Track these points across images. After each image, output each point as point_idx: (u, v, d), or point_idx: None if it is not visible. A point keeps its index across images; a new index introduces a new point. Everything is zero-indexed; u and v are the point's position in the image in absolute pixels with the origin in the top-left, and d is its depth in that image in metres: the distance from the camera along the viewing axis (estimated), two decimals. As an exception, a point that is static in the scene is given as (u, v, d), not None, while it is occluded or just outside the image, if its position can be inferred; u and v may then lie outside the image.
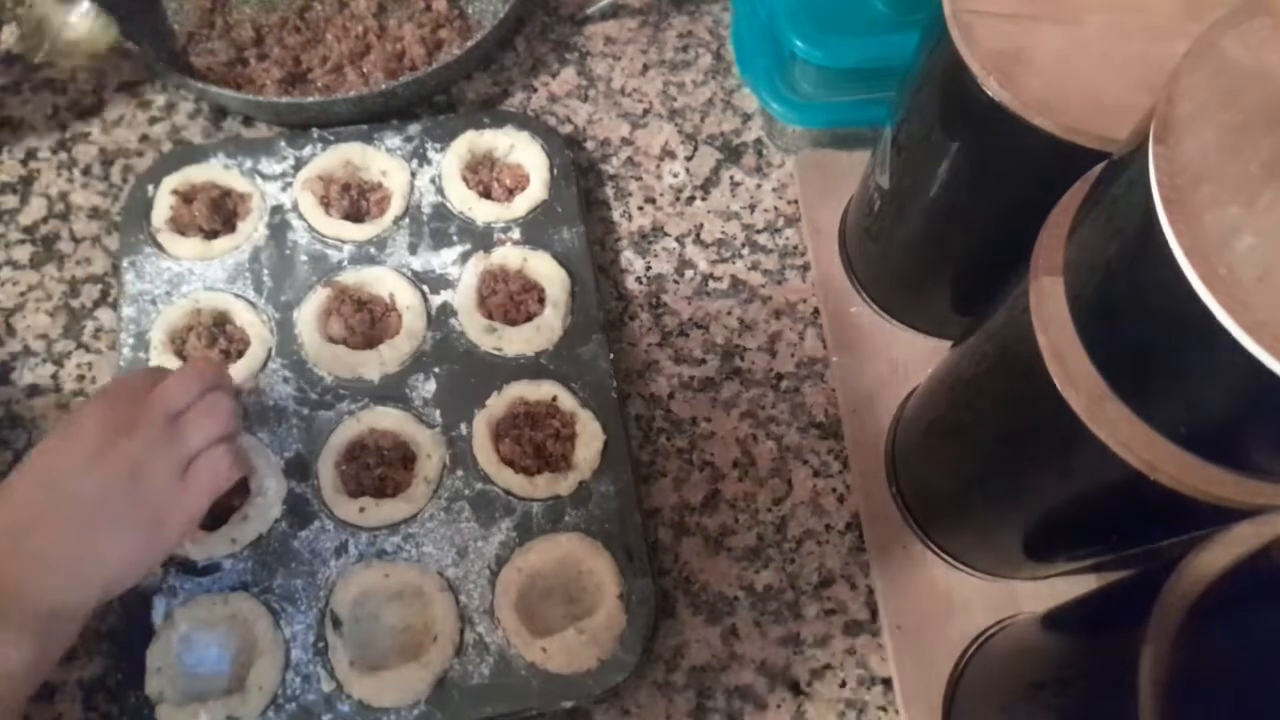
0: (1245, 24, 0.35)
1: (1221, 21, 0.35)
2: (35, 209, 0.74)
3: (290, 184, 0.72)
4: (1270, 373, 0.31)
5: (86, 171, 0.76)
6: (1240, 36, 0.35)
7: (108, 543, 0.48)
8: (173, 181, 0.71)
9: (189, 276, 0.69)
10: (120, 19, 0.74)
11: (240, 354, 0.67)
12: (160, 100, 0.79)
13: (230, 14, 0.82)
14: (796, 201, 0.77)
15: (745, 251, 0.75)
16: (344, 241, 0.71)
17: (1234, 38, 0.35)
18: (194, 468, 0.51)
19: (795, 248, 0.76)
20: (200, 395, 0.52)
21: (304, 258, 0.70)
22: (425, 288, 0.69)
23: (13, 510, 0.47)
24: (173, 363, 0.65)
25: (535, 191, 0.73)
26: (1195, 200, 0.32)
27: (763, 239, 0.76)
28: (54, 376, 0.68)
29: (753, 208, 0.77)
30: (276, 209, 0.71)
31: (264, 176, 0.73)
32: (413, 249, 0.71)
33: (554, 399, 0.66)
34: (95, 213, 0.74)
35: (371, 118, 0.76)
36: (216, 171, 0.72)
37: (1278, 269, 0.30)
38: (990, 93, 0.47)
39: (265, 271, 0.69)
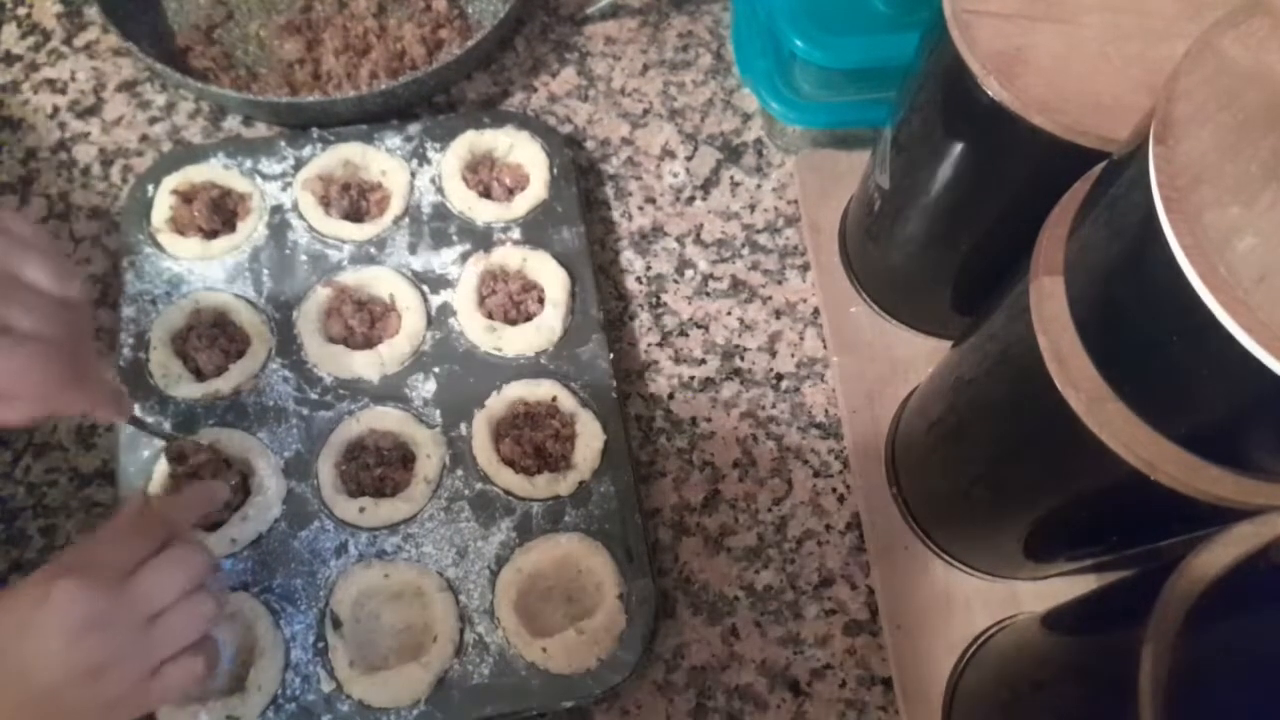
0: (1244, 24, 0.35)
1: (1221, 22, 0.35)
2: (35, 209, 0.74)
3: (290, 184, 0.72)
4: (1270, 373, 0.31)
5: (86, 171, 0.76)
6: (1239, 37, 0.35)
7: None
8: (172, 181, 0.71)
9: (189, 276, 0.69)
10: (121, 19, 0.74)
11: (240, 354, 0.67)
12: (160, 100, 0.79)
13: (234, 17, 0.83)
14: (796, 201, 0.77)
15: (745, 251, 0.75)
16: (344, 241, 0.71)
17: (1233, 38, 0.35)
18: (164, 673, 0.48)
19: (795, 248, 0.76)
20: (183, 592, 0.49)
21: (304, 257, 0.70)
22: (425, 287, 0.69)
23: None
24: (174, 364, 0.65)
25: (535, 191, 0.73)
26: (1195, 200, 0.32)
27: (763, 239, 0.76)
28: (54, 376, 0.68)
29: (753, 208, 0.77)
30: (276, 209, 0.71)
31: (264, 176, 0.73)
32: (412, 249, 0.71)
33: (554, 399, 0.66)
34: (95, 213, 0.74)
35: (371, 118, 0.76)
36: (216, 171, 0.72)
37: (1278, 269, 0.30)
38: (990, 93, 0.47)
39: (265, 271, 0.69)
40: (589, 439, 0.64)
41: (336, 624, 0.59)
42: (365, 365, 0.66)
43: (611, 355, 0.68)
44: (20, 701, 0.44)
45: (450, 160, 0.73)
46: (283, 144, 0.74)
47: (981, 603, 0.63)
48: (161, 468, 0.62)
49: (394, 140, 0.74)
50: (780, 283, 0.74)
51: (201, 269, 0.69)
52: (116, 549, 0.49)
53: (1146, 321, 0.37)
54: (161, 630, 0.48)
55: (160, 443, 0.63)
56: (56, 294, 0.47)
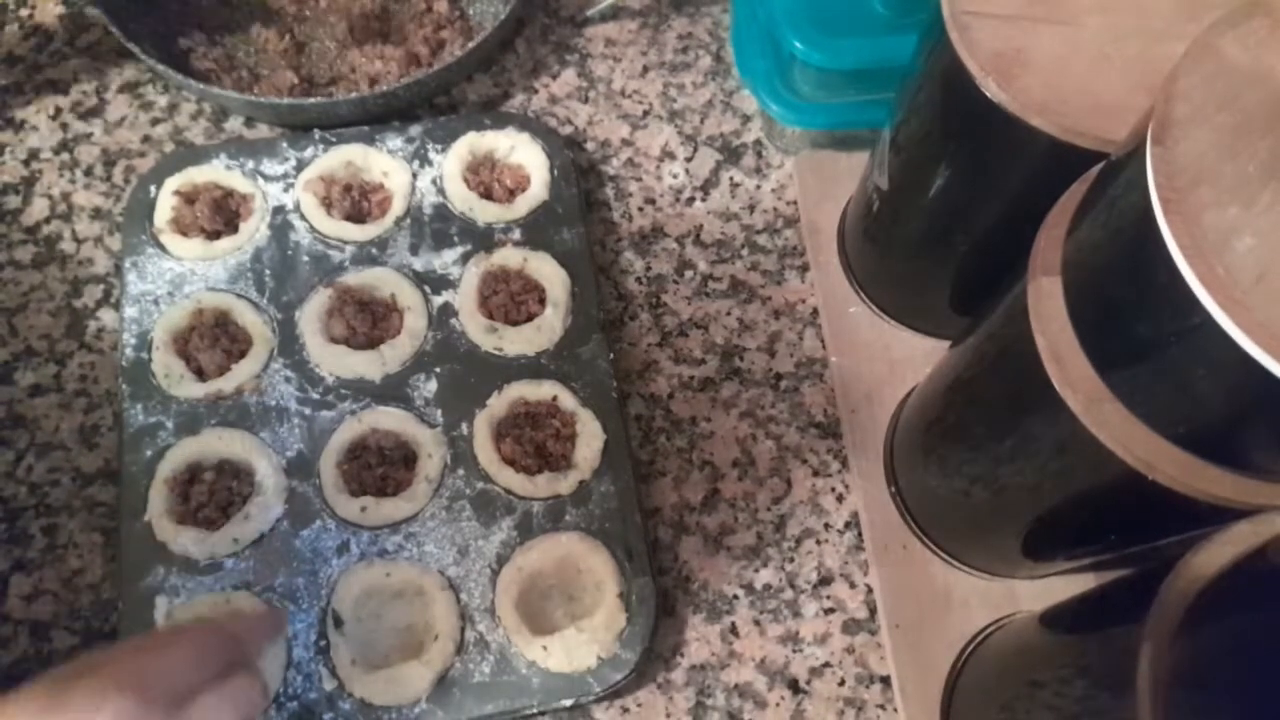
0: (1243, 25, 0.35)
1: (1220, 22, 0.36)
2: (38, 209, 0.74)
3: (292, 185, 0.72)
4: (1268, 373, 0.31)
5: (89, 172, 0.76)
6: (1239, 37, 0.35)
7: None
8: (175, 182, 0.71)
9: (191, 277, 0.69)
10: (123, 20, 0.74)
11: (242, 354, 0.67)
12: (162, 101, 0.79)
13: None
14: (796, 202, 0.78)
15: (745, 252, 0.76)
16: (345, 242, 0.71)
17: (1232, 38, 0.35)
18: None
19: (794, 248, 0.76)
20: None
21: (306, 258, 0.70)
22: (426, 288, 0.70)
23: None
24: (176, 364, 0.65)
25: (536, 192, 0.73)
26: (1193, 201, 0.32)
27: (762, 239, 0.76)
28: (56, 377, 0.68)
29: (752, 208, 0.77)
30: (278, 210, 0.72)
31: (266, 177, 0.73)
32: (414, 249, 0.71)
33: (554, 399, 0.66)
34: (97, 213, 0.74)
35: (373, 119, 0.76)
36: (218, 172, 0.72)
37: (1276, 269, 0.31)
38: (989, 94, 0.47)
39: (267, 272, 0.70)
40: (589, 438, 0.64)
41: (338, 622, 0.59)
42: (367, 365, 0.66)
43: (611, 355, 0.68)
44: None
45: (451, 161, 0.74)
46: (284, 145, 0.74)
47: (980, 601, 0.63)
48: (166, 467, 0.62)
49: (395, 141, 0.74)
50: (779, 283, 0.75)
51: (204, 269, 0.69)
52: (178, 668, 0.47)
53: (1144, 322, 0.37)
54: None
55: (162, 444, 0.63)
56: None
